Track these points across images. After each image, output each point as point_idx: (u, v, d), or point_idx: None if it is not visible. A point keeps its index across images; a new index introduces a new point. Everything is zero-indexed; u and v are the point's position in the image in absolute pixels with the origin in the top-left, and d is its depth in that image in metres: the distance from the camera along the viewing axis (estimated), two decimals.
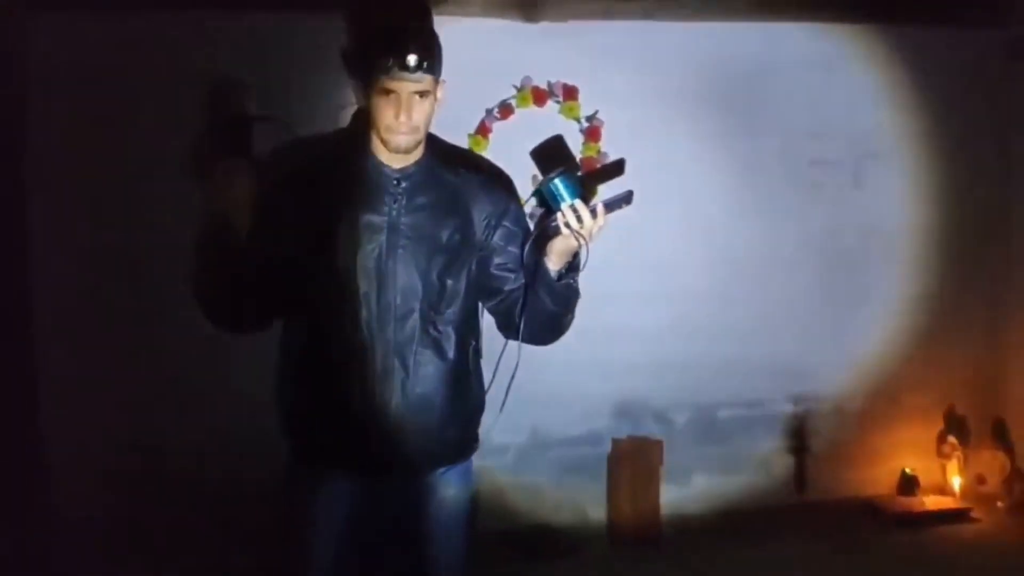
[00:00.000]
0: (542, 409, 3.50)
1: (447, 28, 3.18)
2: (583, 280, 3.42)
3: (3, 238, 2.94)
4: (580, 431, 3.57)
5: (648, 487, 3.46)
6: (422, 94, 1.63)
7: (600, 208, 1.63)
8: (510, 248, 1.74)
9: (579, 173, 1.68)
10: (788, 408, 3.75)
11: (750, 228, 3.64)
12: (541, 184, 1.64)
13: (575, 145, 3.40)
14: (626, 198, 1.66)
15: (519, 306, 1.72)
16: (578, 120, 3.41)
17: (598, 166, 1.72)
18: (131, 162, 2.96)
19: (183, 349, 2.91)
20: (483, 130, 3.33)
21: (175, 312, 1.71)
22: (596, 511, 3.54)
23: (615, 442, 3.52)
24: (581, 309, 3.40)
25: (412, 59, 1.58)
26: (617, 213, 3.43)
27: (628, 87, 3.45)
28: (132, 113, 2.97)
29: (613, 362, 3.52)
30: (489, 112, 3.34)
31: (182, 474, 3.05)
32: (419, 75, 1.60)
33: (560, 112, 3.40)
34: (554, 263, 1.68)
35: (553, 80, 3.39)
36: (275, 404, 1.77)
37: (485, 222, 1.73)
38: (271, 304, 1.68)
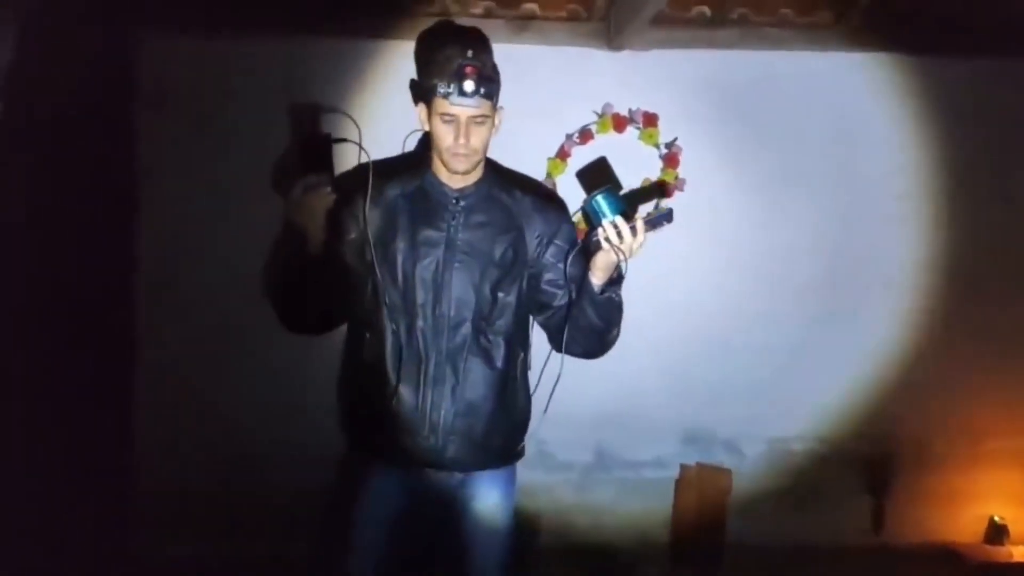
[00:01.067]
0: (608, 430, 3.54)
1: (531, 55, 3.37)
2: (654, 301, 3.49)
3: (115, 247, 3.22)
4: (646, 456, 3.57)
5: (714, 514, 3.44)
6: (480, 119, 1.74)
7: (640, 225, 1.71)
8: (560, 265, 1.84)
9: (621, 192, 1.74)
10: (865, 447, 3.64)
11: (831, 261, 3.58)
12: (585, 202, 1.72)
13: (654, 172, 3.47)
14: (667, 216, 1.73)
15: (567, 320, 1.78)
16: (657, 146, 3.46)
17: (639, 187, 1.82)
18: (228, 178, 3.19)
19: (266, 355, 3.09)
20: (563, 154, 3.42)
21: (264, 320, 1.86)
22: (659, 534, 3.53)
23: (683, 468, 3.52)
24: (651, 330, 3.48)
25: (470, 86, 1.69)
26: (697, 239, 3.48)
27: (707, 115, 3.48)
28: (227, 132, 3.20)
29: (683, 388, 3.53)
30: (569, 137, 3.43)
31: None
32: (477, 100, 1.71)
33: (639, 138, 3.45)
34: (597, 278, 1.76)
35: (634, 107, 3.45)
36: (337, 400, 1.90)
37: (537, 240, 1.83)
38: (337, 309, 1.82)
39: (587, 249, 1.75)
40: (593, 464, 3.57)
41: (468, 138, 1.74)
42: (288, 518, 3.06)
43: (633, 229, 1.71)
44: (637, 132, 3.46)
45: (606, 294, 1.77)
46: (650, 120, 3.45)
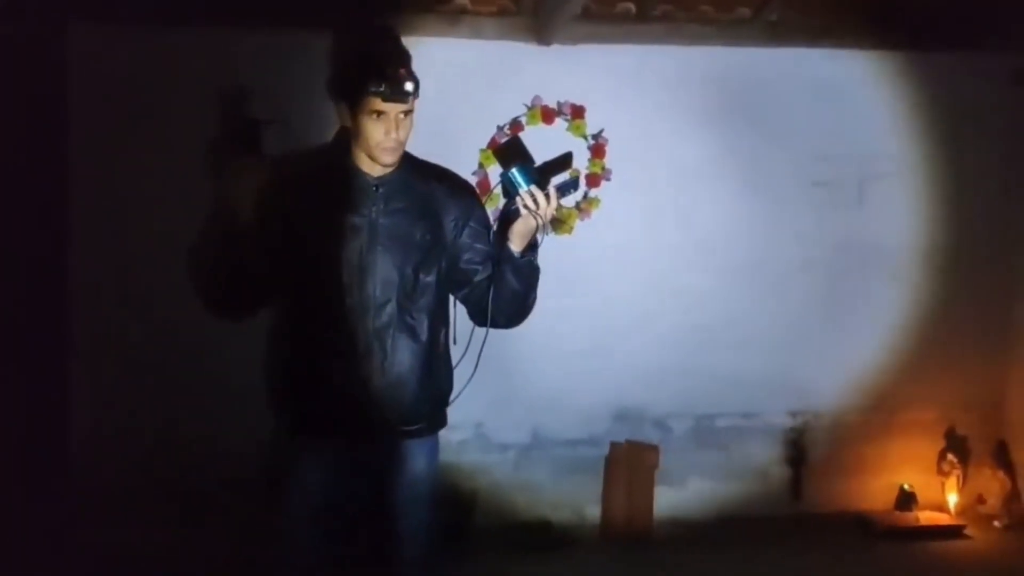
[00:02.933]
0: (543, 412, 3.69)
1: (463, 49, 3.48)
2: (587, 289, 3.64)
3: (45, 233, 3.24)
4: (580, 434, 3.73)
5: (642, 489, 3.61)
6: (406, 113, 1.86)
7: (552, 192, 1.89)
8: (476, 245, 1.99)
9: (534, 166, 1.92)
10: (787, 420, 3.85)
11: (754, 244, 3.78)
12: (502, 176, 1.88)
13: (582, 161, 3.62)
14: (574, 184, 1.97)
15: (488, 293, 1.95)
16: (585, 138, 3.61)
17: (549, 159, 2.01)
18: (157, 163, 3.23)
19: (193, 338, 3.12)
20: (494, 145, 3.54)
21: (189, 303, 1.94)
22: (592, 510, 3.69)
23: (613, 445, 3.68)
24: (584, 317, 3.62)
25: (408, 85, 1.81)
26: (625, 227, 3.63)
27: (635, 107, 3.63)
28: (159, 118, 3.26)
29: (614, 369, 3.69)
30: (500, 128, 3.55)
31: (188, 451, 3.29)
32: (409, 98, 1.82)
33: (568, 130, 3.59)
34: (516, 244, 1.92)
35: (562, 100, 3.59)
36: (266, 380, 1.99)
37: (453, 223, 1.98)
38: (263, 292, 1.91)
39: (506, 218, 1.91)
40: (529, 444, 3.71)
41: (398, 132, 1.86)
42: (221, 502, 3.16)
43: (547, 196, 1.88)
44: (565, 124, 3.60)
45: (526, 258, 1.94)
46: (578, 112, 3.59)
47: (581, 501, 3.70)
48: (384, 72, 1.81)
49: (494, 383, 3.56)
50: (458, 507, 3.38)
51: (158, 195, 3.24)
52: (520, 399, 3.65)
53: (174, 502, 3.24)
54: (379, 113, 1.83)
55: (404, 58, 1.88)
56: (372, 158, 1.89)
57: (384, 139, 1.85)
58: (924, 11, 3.66)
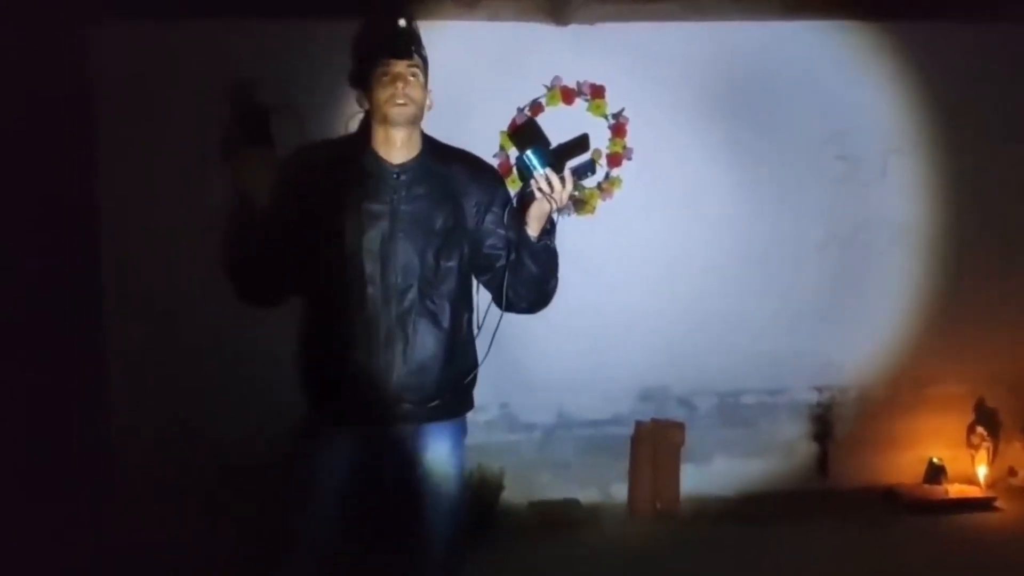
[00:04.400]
0: (568, 392, 3.71)
1: (481, 31, 3.48)
2: (609, 268, 3.65)
3: (80, 222, 3.31)
4: (605, 414, 3.75)
5: (668, 467, 3.63)
6: (414, 73, 1.89)
7: (568, 175, 1.88)
8: (499, 230, 1.99)
9: (549, 148, 1.92)
10: (812, 396, 3.84)
11: (776, 220, 3.76)
12: (517, 159, 1.89)
13: (603, 141, 3.61)
14: (590, 167, 1.94)
15: (506, 275, 1.95)
16: (605, 117, 3.60)
17: (565, 141, 2.00)
18: (175, 157, 3.28)
19: (223, 325, 3.18)
20: (513, 127, 3.55)
21: (218, 289, 1.98)
22: (619, 489, 3.72)
23: (638, 424, 3.70)
24: (607, 297, 3.64)
25: (409, 38, 1.87)
26: (647, 206, 3.63)
27: (655, 86, 3.61)
28: (173, 113, 3.29)
29: (638, 348, 3.70)
30: (520, 110, 3.55)
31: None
32: (411, 54, 1.87)
33: (588, 110, 3.59)
34: (533, 228, 1.92)
35: (581, 80, 3.58)
36: (296, 367, 2.03)
37: (475, 208, 1.98)
38: (288, 280, 1.95)
39: (523, 201, 1.91)
40: (555, 424, 3.74)
41: (406, 84, 1.88)
42: (255, 490, 3.20)
43: (562, 179, 1.87)
44: (585, 104, 3.59)
45: (542, 242, 1.93)
46: (597, 92, 3.58)
47: (607, 479, 3.73)
48: (384, 32, 1.87)
49: (519, 363, 3.64)
50: (485, 487, 3.42)
51: (178, 190, 3.29)
52: (545, 379, 3.68)
53: (196, 497, 3.27)
54: (386, 73, 1.87)
55: (404, 16, 1.91)
56: (386, 120, 1.89)
57: (395, 94, 1.87)
58: None
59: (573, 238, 3.52)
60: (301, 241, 1.91)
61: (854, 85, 3.74)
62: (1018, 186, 3.86)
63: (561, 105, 3.57)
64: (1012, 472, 3.88)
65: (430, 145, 1.99)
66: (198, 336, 3.35)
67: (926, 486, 3.79)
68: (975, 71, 3.76)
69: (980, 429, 3.84)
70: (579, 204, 3.61)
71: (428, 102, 1.96)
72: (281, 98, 1.90)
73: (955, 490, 3.75)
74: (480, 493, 3.34)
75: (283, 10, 3.20)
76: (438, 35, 3.27)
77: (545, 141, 1.97)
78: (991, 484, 3.80)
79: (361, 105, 1.93)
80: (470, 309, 2.04)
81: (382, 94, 1.88)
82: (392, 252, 1.92)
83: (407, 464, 2.01)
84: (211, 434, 3.34)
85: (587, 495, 3.70)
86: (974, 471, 3.83)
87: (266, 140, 1.81)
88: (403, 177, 1.94)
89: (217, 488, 3.25)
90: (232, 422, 3.33)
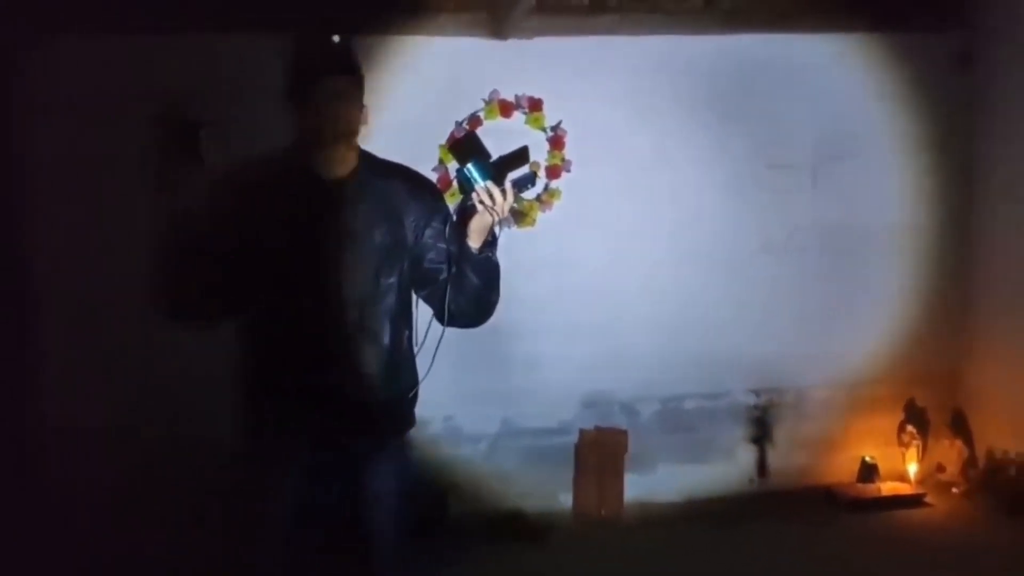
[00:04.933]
0: (512, 403, 3.73)
1: (421, 47, 3.50)
2: (549, 279, 3.68)
3: (8, 237, 3.22)
4: (549, 423, 3.78)
5: (612, 474, 3.67)
6: (349, 90, 1.88)
7: (508, 187, 1.88)
8: (439, 244, 1.98)
9: (490, 161, 1.91)
10: (751, 399, 3.94)
11: (714, 228, 3.85)
12: (458, 172, 1.88)
13: (542, 154, 3.65)
14: (531, 179, 1.93)
15: (448, 289, 1.94)
16: (543, 130, 3.64)
17: (505, 154, 1.97)
18: (108, 169, 3.13)
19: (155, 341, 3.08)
20: (451, 141, 3.57)
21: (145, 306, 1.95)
22: (565, 498, 3.75)
23: (582, 432, 3.73)
24: (548, 307, 3.67)
25: (337, 51, 1.87)
26: (586, 216, 3.67)
27: (592, 99, 3.67)
28: (105, 126, 3.13)
29: (580, 357, 3.74)
30: (458, 124, 3.57)
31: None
32: (345, 68, 1.87)
33: (526, 123, 3.63)
34: (474, 240, 1.91)
35: (520, 93, 3.62)
36: (239, 388, 2.00)
37: (414, 223, 1.97)
38: (224, 300, 1.92)
39: (463, 214, 1.91)
40: (499, 434, 3.76)
41: (341, 102, 1.87)
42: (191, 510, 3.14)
43: (503, 191, 1.87)
44: (524, 117, 3.63)
45: (484, 254, 1.93)
46: (535, 105, 3.62)
47: (553, 489, 3.76)
48: (319, 47, 1.88)
49: (462, 376, 3.63)
50: (432, 501, 3.41)
51: (108, 203, 3.19)
52: (489, 390, 3.69)
53: (140, 504, 3.22)
54: (321, 90, 1.85)
55: (338, 33, 1.91)
56: (322, 137, 1.88)
57: (328, 111, 1.86)
58: None
59: (514, 250, 3.57)
60: (237, 259, 1.88)
61: (787, 95, 3.86)
62: (953, 192, 4.02)
63: (499, 118, 3.60)
64: (940, 468, 4.02)
65: (367, 160, 1.98)
66: (129, 339, 3.26)
67: (860, 485, 3.91)
68: (906, 80, 3.92)
69: (910, 428, 3.98)
70: (519, 216, 3.64)
71: (365, 118, 1.95)
72: (211, 114, 1.86)
73: (888, 488, 3.88)
74: (427, 507, 3.33)
75: (214, 26, 3.17)
76: (376, 50, 3.31)
77: (485, 154, 1.94)
78: (921, 481, 3.94)
79: (298, 122, 1.90)
80: (410, 325, 2.03)
81: (317, 111, 1.86)
82: (330, 270, 1.91)
83: (350, 484, 1.99)
84: (144, 436, 3.27)
85: (533, 505, 3.71)
86: (905, 469, 3.96)
87: (195, 154, 1.78)
88: (340, 193, 1.93)
89: (152, 491, 3.19)
90: (171, 433, 3.27)
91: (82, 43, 3.17)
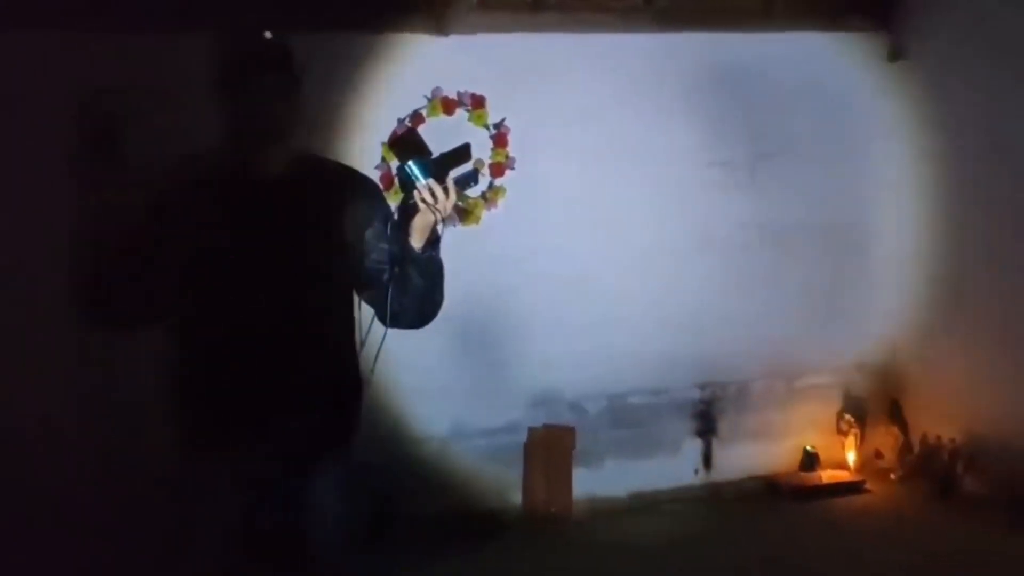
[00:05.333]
0: (461, 403, 3.71)
1: (361, 42, 3.44)
2: (495, 278, 3.67)
3: None
4: (498, 422, 3.76)
5: (561, 471, 3.68)
6: (281, 96, 1.80)
7: (451, 185, 1.83)
8: (381, 245, 1.91)
9: (431, 159, 1.85)
10: (695, 393, 3.99)
11: (655, 225, 3.88)
12: (398, 170, 1.83)
13: (485, 151, 3.63)
14: (473, 176, 1.89)
15: (395, 292, 1.88)
16: (486, 127, 3.62)
17: (447, 151, 1.90)
18: (33, 165, 3.04)
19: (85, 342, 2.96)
20: (394, 137, 3.52)
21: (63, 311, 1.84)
22: (515, 496, 3.75)
23: (531, 430, 3.73)
24: (494, 306, 3.66)
25: (270, 49, 1.78)
26: (529, 214, 3.66)
27: (535, 95, 3.66)
28: (31, 119, 3.03)
29: (528, 355, 3.74)
30: (400, 121, 3.53)
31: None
32: (278, 66, 1.79)
33: (469, 120, 3.60)
34: (416, 240, 1.85)
35: (462, 90, 3.59)
36: (166, 397, 1.91)
37: (355, 223, 1.90)
38: (154, 304, 1.83)
39: (405, 213, 1.85)
40: (449, 435, 3.73)
41: (274, 100, 1.79)
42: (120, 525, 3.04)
43: (445, 189, 1.83)
44: (467, 114, 3.60)
45: (427, 253, 1.87)
46: (478, 102, 3.60)
47: (503, 488, 3.74)
48: (251, 45, 1.79)
49: (410, 377, 3.61)
50: (380, 505, 3.37)
51: (28, 202, 3.03)
52: (437, 391, 3.66)
53: (66, 519, 3.08)
54: (252, 88, 1.78)
55: (270, 30, 1.83)
56: (255, 135, 1.81)
57: (262, 109, 1.78)
58: None
59: (459, 248, 3.53)
60: (161, 262, 1.78)
61: (724, 93, 3.91)
62: (873, 186, 4.13)
63: (442, 116, 3.57)
64: (878, 455, 4.14)
65: (304, 159, 1.90)
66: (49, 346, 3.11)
67: (802, 474, 4.00)
68: (838, 77, 4.02)
69: (848, 416, 4.09)
70: (464, 214, 3.62)
71: (301, 117, 1.88)
72: (137, 111, 1.77)
73: (828, 476, 3.98)
74: (375, 512, 3.28)
75: (142, 23, 3.06)
76: (317, 46, 3.23)
77: (426, 151, 1.87)
78: (860, 468, 4.05)
79: (224, 118, 1.82)
80: (352, 327, 1.98)
81: (247, 110, 1.79)
82: (267, 272, 1.83)
83: (292, 493, 1.92)
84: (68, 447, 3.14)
85: (483, 504, 3.70)
86: (844, 457, 4.07)
87: (118, 153, 1.69)
88: (274, 193, 1.85)
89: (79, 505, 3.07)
90: (89, 435, 3.14)
91: (1, 38, 3.04)
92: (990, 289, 3.74)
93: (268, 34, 1.79)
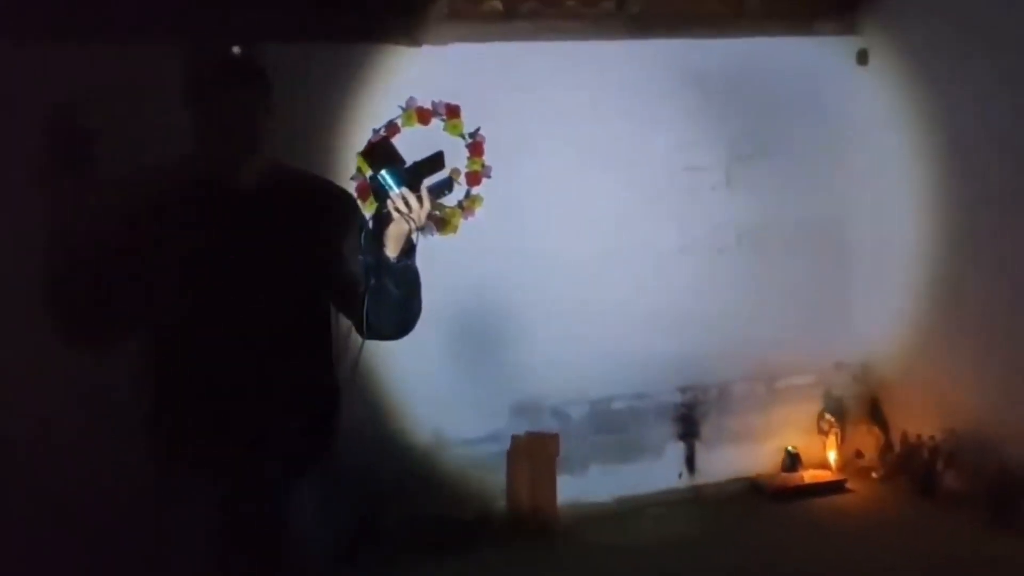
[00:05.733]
0: (443, 412, 3.69)
1: (336, 53, 3.44)
2: (474, 285, 3.66)
3: None
4: (481, 431, 3.75)
5: (545, 478, 3.67)
6: (251, 109, 1.79)
7: (425, 193, 1.82)
8: (356, 256, 1.88)
9: (404, 167, 1.84)
10: (677, 397, 4.00)
11: (634, 229, 3.89)
12: (371, 179, 1.82)
13: (461, 160, 3.64)
14: (447, 184, 1.89)
15: (371, 303, 1.86)
16: (462, 136, 3.63)
17: (420, 160, 1.89)
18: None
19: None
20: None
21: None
22: (499, 505, 3.73)
23: (514, 438, 3.72)
24: (474, 314, 3.65)
25: (238, 62, 1.79)
26: (508, 222, 3.66)
27: (510, 103, 3.67)
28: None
29: (508, 363, 3.74)
30: (376, 132, 3.52)
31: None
32: (247, 80, 1.78)
33: (444, 130, 3.60)
34: (391, 249, 1.83)
35: (437, 100, 3.60)
36: (146, 417, 1.88)
37: (329, 235, 1.89)
38: (123, 320, 1.81)
39: (379, 222, 1.84)
40: (431, 445, 3.71)
41: (243, 114, 1.78)
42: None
43: (419, 198, 1.81)
44: (442, 124, 3.61)
45: (402, 262, 1.85)
46: (453, 112, 3.61)
47: (487, 497, 3.73)
48: (219, 64, 1.79)
49: (390, 387, 3.60)
50: (362, 517, 3.35)
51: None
52: (419, 401, 3.65)
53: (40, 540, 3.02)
54: (221, 101, 1.76)
55: (242, 54, 1.83)
56: (226, 148, 1.79)
57: (231, 121, 1.77)
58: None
59: (437, 257, 3.54)
60: (130, 276, 1.76)
61: (697, 98, 3.94)
62: (848, 186, 4.17)
63: (418, 126, 3.57)
64: (859, 454, 4.17)
65: (277, 171, 1.89)
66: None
67: (784, 474, 4.01)
68: (809, 79, 4.07)
69: (828, 416, 4.11)
70: (441, 224, 3.62)
71: (273, 127, 1.87)
72: (106, 122, 1.74)
73: (810, 476, 4.00)
74: (356, 524, 3.26)
75: (110, 35, 3.05)
76: (290, 58, 3.23)
77: (399, 160, 1.86)
78: (841, 467, 4.07)
79: (195, 130, 1.80)
80: (329, 340, 1.97)
81: (220, 122, 1.78)
82: (242, 284, 1.81)
83: (270, 510, 1.89)
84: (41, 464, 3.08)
85: (467, 513, 3.68)
86: (826, 457, 4.09)
87: (86, 167, 1.65)
88: (245, 206, 1.84)
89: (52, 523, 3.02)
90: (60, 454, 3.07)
91: None
92: (969, 287, 3.77)
93: (236, 49, 1.78)
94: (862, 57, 4.10)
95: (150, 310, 1.82)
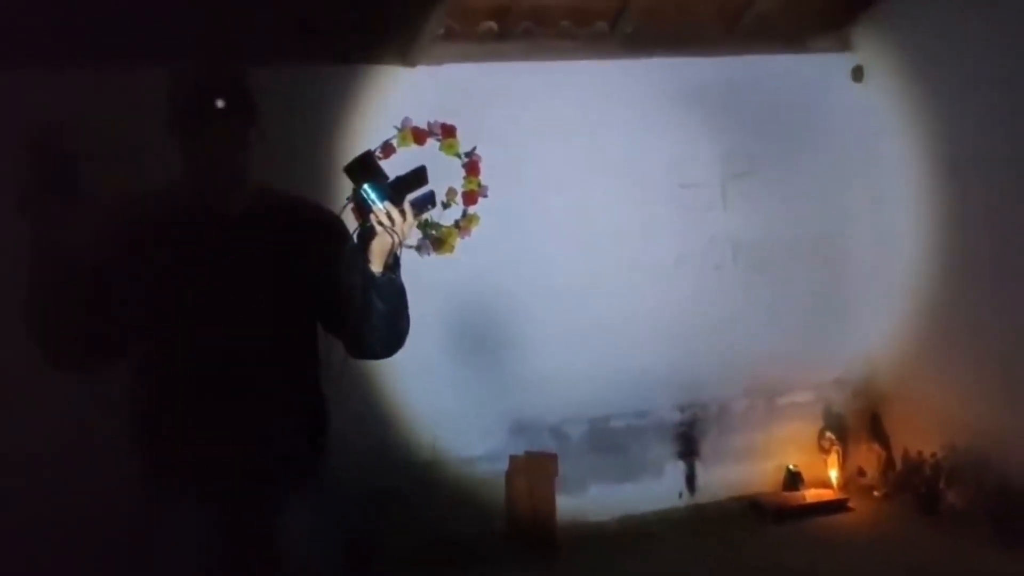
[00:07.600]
0: (441, 431, 3.68)
1: (329, 75, 3.45)
2: (471, 305, 3.65)
3: None
4: (479, 450, 3.73)
5: (544, 499, 3.64)
6: (238, 136, 1.79)
7: (408, 207, 1.81)
8: (344, 277, 1.86)
9: (387, 182, 1.83)
10: (676, 415, 3.98)
11: (631, 246, 3.89)
12: (353, 194, 1.81)
13: (458, 180, 3.64)
14: (430, 198, 1.86)
15: (360, 321, 1.84)
16: (458, 156, 3.63)
17: (402, 174, 1.87)
18: None
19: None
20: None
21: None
22: (497, 524, 3.69)
23: (512, 458, 3.70)
24: (470, 333, 3.63)
25: (227, 83, 1.76)
26: (505, 241, 3.64)
27: (505, 123, 3.68)
28: None
29: (506, 382, 3.73)
30: (372, 152, 3.52)
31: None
32: (231, 114, 1.76)
33: (440, 149, 3.61)
34: (375, 264, 1.81)
35: (432, 120, 3.60)
36: (134, 434, 1.88)
37: (316, 256, 1.88)
38: (110, 343, 1.80)
39: (363, 237, 1.82)
40: (429, 463, 3.69)
41: (230, 136, 1.77)
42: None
43: (402, 212, 1.79)
44: (438, 144, 3.61)
45: (387, 276, 1.83)
46: (448, 131, 3.61)
47: (485, 516, 3.70)
48: (202, 89, 1.76)
49: (389, 406, 3.58)
50: (358, 538, 3.31)
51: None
52: (416, 419, 3.63)
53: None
54: (208, 122, 1.76)
55: (228, 76, 1.81)
56: (212, 170, 1.79)
57: (218, 144, 1.76)
58: (769, 17, 3.91)
59: (435, 277, 3.54)
60: (117, 301, 1.76)
61: (693, 115, 3.95)
62: (850, 203, 4.17)
63: (413, 146, 3.58)
64: (861, 472, 4.13)
65: (264, 193, 1.89)
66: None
67: (786, 493, 3.98)
68: (804, 96, 4.09)
69: (829, 434, 4.08)
70: (438, 243, 3.62)
71: (260, 153, 1.87)
72: (91, 147, 1.74)
73: (812, 495, 3.95)
74: (353, 545, 3.22)
75: (94, 58, 3.05)
76: (284, 79, 3.25)
77: (381, 175, 1.86)
78: (843, 486, 4.03)
79: (182, 152, 1.80)
80: (317, 360, 1.96)
81: (207, 150, 1.78)
82: (232, 305, 1.81)
83: (263, 532, 1.88)
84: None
85: (466, 533, 3.65)
86: (827, 475, 4.05)
87: (72, 192, 1.65)
88: (237, 227, 1.84)
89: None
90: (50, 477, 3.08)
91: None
92: (969, 303, 3.75)
93: (220, 103, 1.76)
94: (857, 74, 4.11)
95: (137, 335, 1.82)
